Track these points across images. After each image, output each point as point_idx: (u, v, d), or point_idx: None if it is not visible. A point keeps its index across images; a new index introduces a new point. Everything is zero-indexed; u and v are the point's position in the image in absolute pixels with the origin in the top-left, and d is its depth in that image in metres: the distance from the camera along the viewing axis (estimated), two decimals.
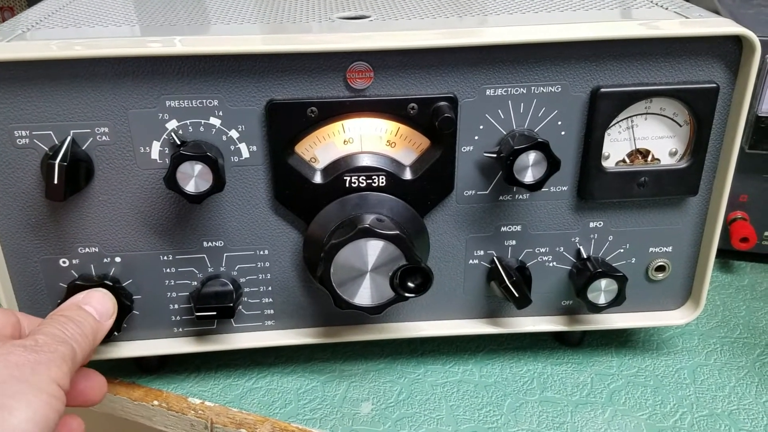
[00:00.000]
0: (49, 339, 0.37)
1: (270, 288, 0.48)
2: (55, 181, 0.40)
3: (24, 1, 0.75)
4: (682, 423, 0.48)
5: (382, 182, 0.45)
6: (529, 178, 0.42)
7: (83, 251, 0.45)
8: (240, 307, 0.48)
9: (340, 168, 0.45)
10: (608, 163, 0.46)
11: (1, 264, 0.45)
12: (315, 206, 0.45)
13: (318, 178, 0.45)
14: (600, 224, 0.48)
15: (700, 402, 0.49)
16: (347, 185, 0.45)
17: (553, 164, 0.42)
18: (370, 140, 0.45)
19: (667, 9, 0.47)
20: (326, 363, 0.53)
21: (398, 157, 0.45)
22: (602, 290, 0.47)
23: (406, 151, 0.45)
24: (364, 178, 0.45)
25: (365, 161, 0.45)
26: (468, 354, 0.54)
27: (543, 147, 0.42)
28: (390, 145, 0.45)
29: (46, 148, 0.42)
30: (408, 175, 0.45)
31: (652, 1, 0.50)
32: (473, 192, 0.46)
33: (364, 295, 0.44)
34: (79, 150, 0.42)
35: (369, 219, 0.43)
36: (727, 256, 0.65)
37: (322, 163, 0.45)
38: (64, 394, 0.35)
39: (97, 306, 0.42)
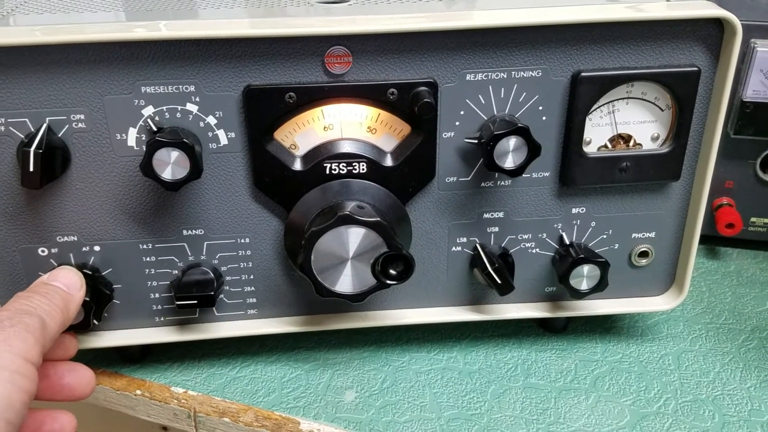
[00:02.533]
0: (12, 313, 0.35)
1: (252, 276, 0.48)
2: (31, 169, 0.40)
3: None
4: (666, 409, 0.48)
5: (363, 169, 0.45)
6: (509, 163, 0.42)
7: (62, 240, 0.45)
8: (222, 295, 0.48)
9: (320, 155, 0.44)
10: (590, 149, 0.45)
11: None
12: (295, 193, 0.45)
13: (298, 165, 0.45)
14: (582, 210, 0.47)
15: (684, 388, 0.49)
16: (327, 172, 0.45)
17: (533, 150, 0.42)
18: (350, 126, 0.45)
19: None
20: (310, 351, 0.53)
21: (379, 143, 0.45)
22: (584, 276, 0.47)
23: (386, 138, 0.45)
24: (345, 164, 0.44)
25: (345, 148, 0.45)
26: (452, 341, 0.53)
27: (523, 132, 0.41)
28: (370, 132, 0.45)
29: (22, 136, 0.41)
30: (389, 162, 0.45)
31: None
32: (455, 178, 0.46)
33: (345, 283, 0.44)
34: (55, 137, 0.41)
35: (350, 206, 0.43)
36: (713, 242, 0.65)
37: (302, 149, 0.45)
38: (33, 369, 0.33)
39: (63, 279, 0.41)
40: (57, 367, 0.43)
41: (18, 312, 0.35)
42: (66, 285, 0.40)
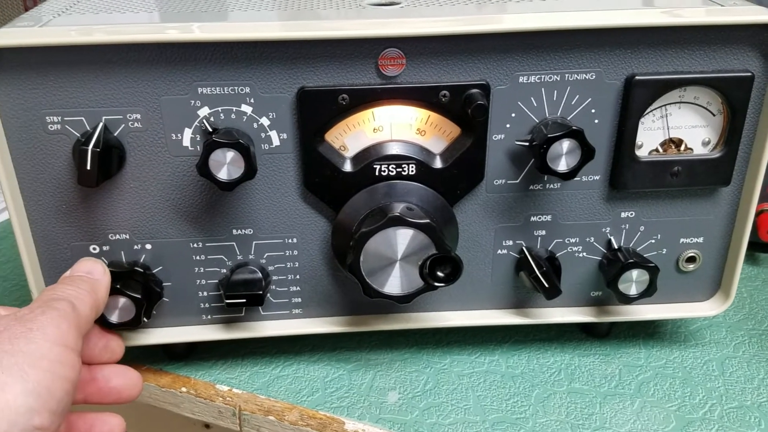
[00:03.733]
0: (41, 303, 0.35)
1: (298, 276, 0.48)
2: (88, 167, 0.40)
3: None
4: (711, 415, 0.47)
5: (412, 171, 0.45)
6: (562, 166, 0.42)
7: (114, 238, 0.45)
8: (268, 295, 0.48)
9: (369, 156, 0.45)
10: (641, 152, 0.45)
11: (32, 250, 0.45)
12: (344, 194, 0.45)
13: (348, 167, 0.45)
14: (632, 214, 0.47)
15: (729, 394, 0.49)
16: (377, 173, 0.45)
17: (587, 153, 0.42)
18: (400, 128, 0.45)
19: None
20: (352, 352, 0.53)
21: (428, 145, 0.45)
22: (633, 281, 0.46)
23: (436, 140, 0.45)
24: (394, 166, 0.45)
25: (395, 149, 0.45)
26: (494, 344, 0.53)
27: (578, 135, 0.41)
28: (420, 134, 0.45)
29: (78, 134, 0.42)
30: (438, 164, 0.45)
31: None
32: (503, 181, 0.46)
33: (393, 284, 0.44)
34: (111, 136, 0.42)
35: (399, 207, 0.43)
36: (754, 248, 0.64)
37: (351, 151, 0.45)
38: (72, 355, 0.33)
39: (83, 268, 0.41)
40: (104, 370, 0.43)
41: (47, 300, 0.35)
42: (88, 272, 0.41)
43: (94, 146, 0.40)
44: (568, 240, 0.48)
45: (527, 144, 0.43)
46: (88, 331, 0.38)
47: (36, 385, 0.30)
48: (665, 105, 0.44)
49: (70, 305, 0.35)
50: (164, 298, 0.47)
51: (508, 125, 0.44)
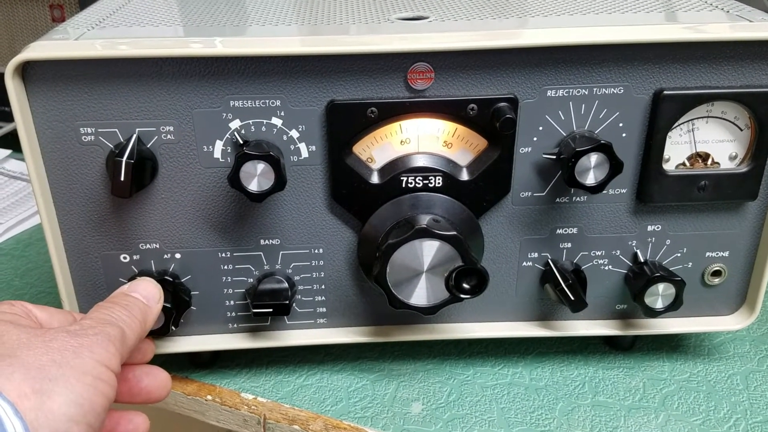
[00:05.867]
0: (95, 322, 0.36)
1: (323, 286, 0.49)
2: (122, 178, 0.41)
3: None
4: (736, 429, 0.47)
5: (439, 183, 0.45)
6: (590, 180, 0.42)
7: (144, 247, 0.46)
8: (293, 304, 0.49)
9: (396, 168, 0.45)
10: (668, 166, 0.45)
11: (62, 259, 0.46)
12: (371, 206, 0.46)
13: (375, 178, 0.45)
14: (658, 228, 0.47)
15: (754, 408, 0.49)
16: (404, 185, 0.45)
17: (615, 166, 0.42)
18: (427, 141, 0.45)
19: (728, 12, 0.47)
20: (375, 362, 0.53)
21: (455, 157, 0.45)
22: (659, 295, 0.46)
23: (462, 152, 0.45)
24: (421, 178, 0.45)
25: (422, 162, 0.45)
26: (517, 356, 0.53)
27: (606, 149, 0.41)
28: (446, 146, 0.45)
29: (112, 146, 0.43)
30: (464, 176, 0.45)
31: (711, 5, 0.49)
32: (530, 194, 0.46)
33: (419, 296, 0.44)
34: (145, 148, 0.42)
35: (425, 219, 0.44)
36: None
37: (378, 163, 0.45)
38: (113, 376, 0.34)
39: (143, 291, 0.42)
40: (135, 370, 0.44)
41: (101, 321, 0.36)
42: (146, 297, 0.41)
43: (129, 158, 0.41)
44: (594, 253, 0.48)
45: (555, 157, 0.43)
46: None
47: (79, 397, 0.31)
48: (693, 119, 0.44)
49: (120, 332, 0.36)
50: (192, 307, 0.48)
51: (535, 138, 0.44)
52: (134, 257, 0.46)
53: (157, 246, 0.46)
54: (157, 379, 0.43)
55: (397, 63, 0.42)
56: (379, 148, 0.45)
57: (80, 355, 0.33)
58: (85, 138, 0.43)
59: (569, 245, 0.48)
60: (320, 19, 0.47)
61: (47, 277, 0.63)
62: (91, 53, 0.40)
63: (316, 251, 0.47)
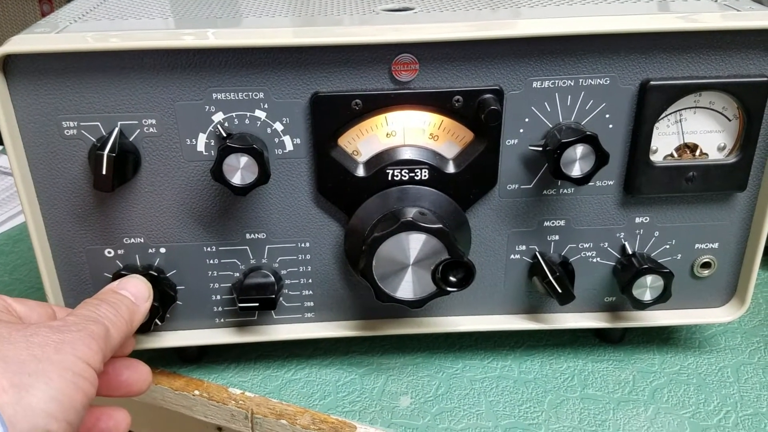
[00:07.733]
0: (79, 319, 0.36)
1: (310, 280, 0.48)
2: (104, 172, 0.40)
3: None
4: (726, 422, 0.47)
5: (425, 175, 0.45)
6: (576, 171, 0.42)
7: (128, 242, 0.45)
8: (280, 298, 0.48)
9: (382, 161, 0.45)
10: (656, 158, 0.45)
11: (47, 253, 0.46)
12: (357, 199, 0.45)
13: (360, 171, 0.45)
14: (646, 219, 0.47)
15: (744, 401, 0.48)
16: (389, 178, 0.45)
17: (601, 158, 0.41)
18: (412, 133, 0.45)
19: (716, 1, 0.46)
20: (364, 356, 0.53)
21: (441, 150, 0.45)
22: (648, 287, 0.46)
23: (449, 145, 0.45)
24: (407, 171, 0.45)
25: (408, 154, 0.45)
26: (506, 350, 0.53)
27: (591, 140, 0.41)
28: (433, 138, 0.45)
29: (94, 139, 0.42)
30: (451, 169, 0.45)
31: None
32: (516, 186, 0.46)
33: (405, 289, 0.44)
34: (127, 141, 0.42)
35: (411, 212, 0.43)
36: None
37: (364, 156, 0.45)
38: (94, 373, 0.34)
39: (132, 289, 0.41)
40: (115, 363, 0.43)
41: (85, 318, 0.36)
42: (134, 295, 0.41)
43: (110, 151, 0.40)
44: (582, 245, 0.48)
45: (541, 149, 0.43)
46: None
47: (58, 393, 0.31)
48: (680, 110, 0.44)
49: (105, 330, 0.36)
50: (178, 302, 0.47)
51: (521, 130, 0.44)
52: (119, 252, 0.46)
53: (142, 240, 0.45)
54: (137, 372, 0.42)
55: (382, 54, 0.41)
56: (365, 141, 0.45)
57: (61, 351, 0.33)
58: (67, 132, 0.42)
59: (557, 238, 0.47)
60: (304, 11, 0.47)
61: (37, 272, 0.63)
62: (72, 46, 0.40)
63: (303, 245, 0.47)
